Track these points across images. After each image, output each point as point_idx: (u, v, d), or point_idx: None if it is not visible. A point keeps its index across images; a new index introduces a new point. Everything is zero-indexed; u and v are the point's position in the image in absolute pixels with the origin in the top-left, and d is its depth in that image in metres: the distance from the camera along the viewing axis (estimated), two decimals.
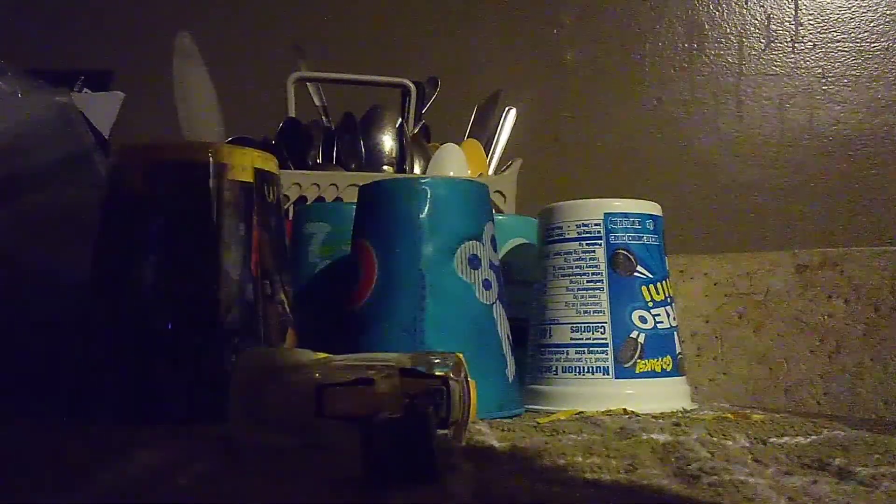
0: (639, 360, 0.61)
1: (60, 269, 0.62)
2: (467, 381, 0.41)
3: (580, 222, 0.63)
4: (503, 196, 0.83)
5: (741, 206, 1.01)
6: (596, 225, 0.63)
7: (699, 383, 0.93)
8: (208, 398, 0.50)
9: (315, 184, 0.79)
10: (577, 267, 0.63)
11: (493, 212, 0.63)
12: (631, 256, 0.63)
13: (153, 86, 0.90)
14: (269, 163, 0.58)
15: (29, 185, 0.68)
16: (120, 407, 0.50)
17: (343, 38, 1.10)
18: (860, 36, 1.02)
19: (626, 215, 0.63)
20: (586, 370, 0.61)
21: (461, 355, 0.41)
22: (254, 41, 1.10)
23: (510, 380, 0.60)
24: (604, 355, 0.61)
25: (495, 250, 0.61)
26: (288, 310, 0.57)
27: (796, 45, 1.03)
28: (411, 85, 0.89)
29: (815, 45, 1.02)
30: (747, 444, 0.44)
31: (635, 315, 0.62)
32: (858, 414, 0.89)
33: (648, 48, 1.06)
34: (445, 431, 0.39)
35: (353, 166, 0.84)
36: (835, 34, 1.02)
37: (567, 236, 0.64)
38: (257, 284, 0.54)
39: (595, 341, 0.61)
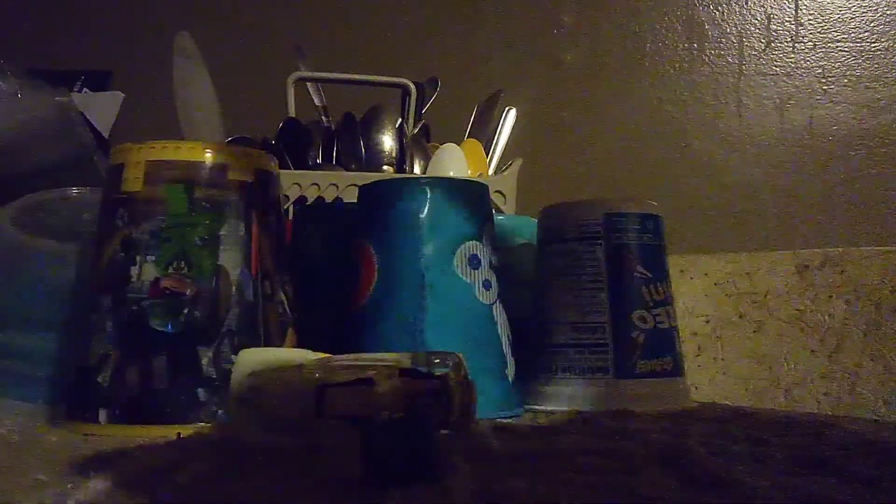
0: (639, 360, 0.61)
1: (60, 269, 0.62)
2: (467, 381, 0.41)
3: (580, 222, 0.63)
4: (503, 196, 0.82)
5: (741, 206, 1.01)
6: (596, 225, 0.63)
7: (699, 383, 0.93)
8: (208, 398, 0.50)
9: (315, 184, 0.79)
10: (577, 267, 0.63)
11: (493, 212, 0.63)
12: (631, 256, 0.62)
13: (153, 86, 0.90)
14: (269, 163, 0.58)
15: (29, 185, 0.68)
16: (120, 407, 0.50)
17: (343, 38, 1.10)
18: (860, 36, 1.01)
19: (626, 215, 0.63)
20: (586, 370, 0.61)
21: (461, 355, 0.41)
22: (254, 41, 1.10)
23: (510, 380, 0.60)
24: (604, 355, 0.61)
25: (495, 250, 0.61)
26: (288, 310, 0.57)
27: (796, 45, 1.03)
28: (411, 85, 0.89)
29: (815, 45, 1.02)
30: (747, 445, 0.44)
31: (635, 315, 0.62)
32: (858, 414, 0.89)
33: (648, 48, 1.06)
34: (445, 431, 0.38)
35: (353, 166, 0.84)
36: (835, 34, 1.02)
37: (567, 236, 0.64)
38: (257, 284, 0.54)
39: (595, 341, 0.61)
